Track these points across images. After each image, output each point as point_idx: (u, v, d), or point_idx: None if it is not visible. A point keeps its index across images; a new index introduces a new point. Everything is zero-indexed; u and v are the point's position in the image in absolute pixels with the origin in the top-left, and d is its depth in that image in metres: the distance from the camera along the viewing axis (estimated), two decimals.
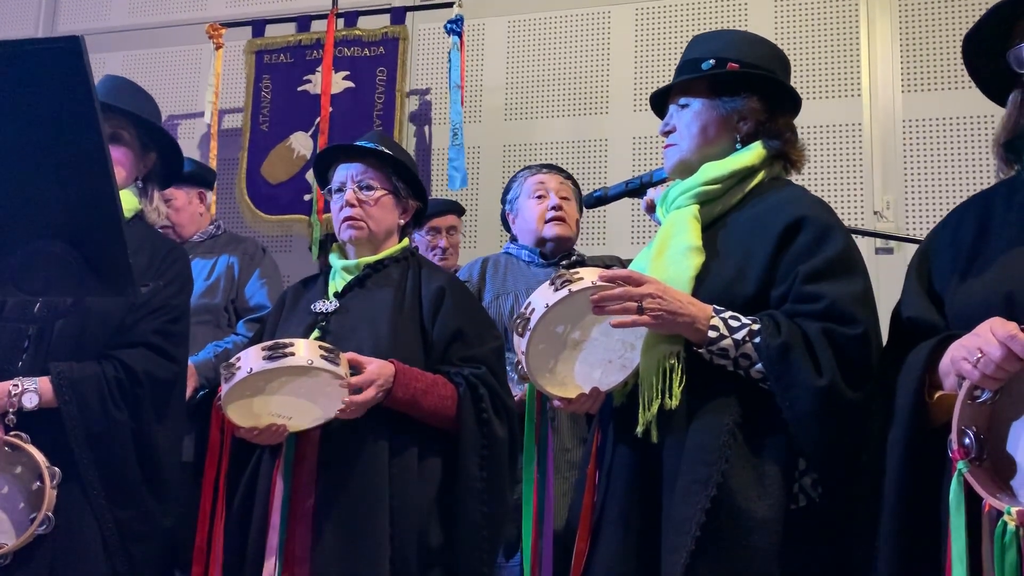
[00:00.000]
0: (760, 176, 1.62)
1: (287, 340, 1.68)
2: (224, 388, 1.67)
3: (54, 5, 4.32)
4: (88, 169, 1.09)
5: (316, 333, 1.88)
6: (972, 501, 1.11)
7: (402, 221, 2.06)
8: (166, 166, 2.04)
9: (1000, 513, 1.06)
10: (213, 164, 3.46)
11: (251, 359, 1.65)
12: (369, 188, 1.99)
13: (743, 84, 1.64)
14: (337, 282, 1.99)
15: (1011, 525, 1.05)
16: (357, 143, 2.06)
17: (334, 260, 2.04)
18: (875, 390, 1.36)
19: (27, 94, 1.04)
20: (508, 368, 2.06)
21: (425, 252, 2.92)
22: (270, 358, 1.64)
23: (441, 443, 1.84)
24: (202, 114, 3.70)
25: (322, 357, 1.66)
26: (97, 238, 1.13)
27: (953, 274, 1.32)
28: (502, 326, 2.28)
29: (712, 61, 1.64)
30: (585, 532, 1.56)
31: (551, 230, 2.47)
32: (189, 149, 3.89)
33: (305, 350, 1.66)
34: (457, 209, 3.11)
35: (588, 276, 1.47)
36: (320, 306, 1.94)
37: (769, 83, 1.64)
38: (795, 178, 1.70)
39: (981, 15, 1.33)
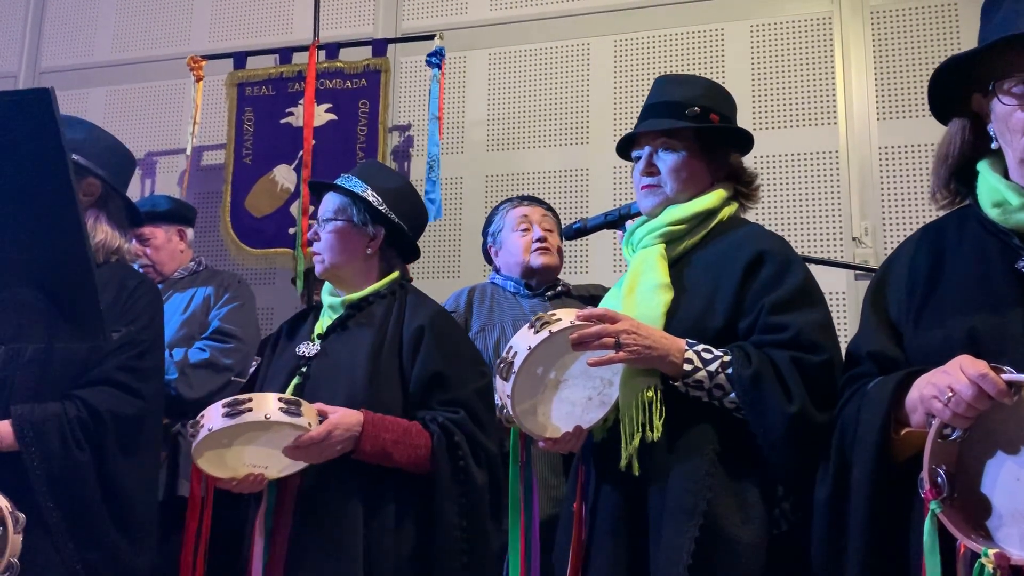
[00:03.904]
0: (720, 215, 1.69)
1: (245, 396, 1.67)
2: (193, 444, 1.67)
3: (38, 39, 4.33)
4: (58, 218, 1.09)
5: (297, 380, 1.87)
6: (944, 540, 1.11)
7: (369, 250, 1.97)
8: (129, 206, 2.01)
9: (976, 555, 1.06)
10: (184, 196, 3.44)
11: (212, 417, 1.66)
12: (327, 221, 1.98)
13: (725, 138, 1.71)
14: (324, 321, 1.98)
15: (988, 567, 1.04)
16: (341, 179, 2.03)
17: (324, 296, 2.02)
18: (833, 422, 1.36)
19: None
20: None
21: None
22: (229, 415, 1.64)
23: (420, 491, 1.78)
24: (184, 150, 3.70)
25: (280, 410, 1.65)
26: (68, 285, 1.13)
27: (911, 306, 1.32)
28: (487, 359, 2.24)
29: (697, 109, 1.68)
30: (576, 568, 1.57)
31: (538, 259, 2.46)
32: (171, 185, 3.89)
33: (262, 405, 1.65)
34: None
35: (566, 317, 1.50)
36: (303, 349, 1.92)
37: (741, 135, 1.72)
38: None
39: (958, 35, 1.30)
